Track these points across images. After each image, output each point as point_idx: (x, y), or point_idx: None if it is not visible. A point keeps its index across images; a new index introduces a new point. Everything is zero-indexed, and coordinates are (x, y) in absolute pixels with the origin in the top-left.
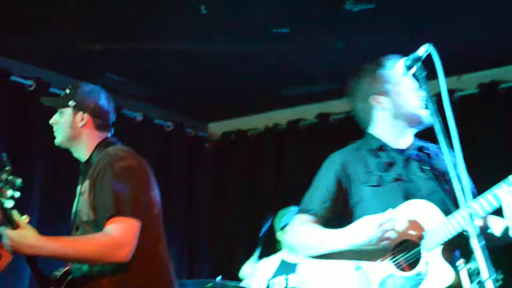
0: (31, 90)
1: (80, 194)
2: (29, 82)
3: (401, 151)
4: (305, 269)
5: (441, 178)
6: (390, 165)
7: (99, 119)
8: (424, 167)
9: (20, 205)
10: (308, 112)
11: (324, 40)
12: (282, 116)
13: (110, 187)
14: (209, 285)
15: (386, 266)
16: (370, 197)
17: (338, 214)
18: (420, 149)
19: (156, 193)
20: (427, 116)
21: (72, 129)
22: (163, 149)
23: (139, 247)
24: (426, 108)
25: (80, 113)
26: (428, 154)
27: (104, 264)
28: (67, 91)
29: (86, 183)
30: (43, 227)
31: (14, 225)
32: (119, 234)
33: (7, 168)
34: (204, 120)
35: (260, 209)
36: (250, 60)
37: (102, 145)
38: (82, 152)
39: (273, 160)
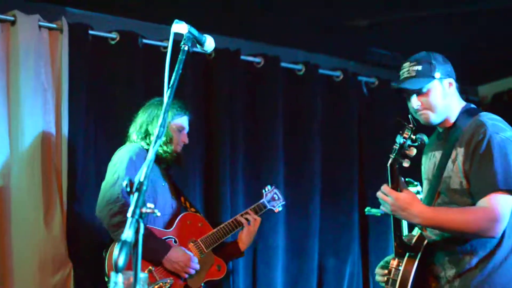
0: (301, 75)
1: (450, 161)
2: (299, 67)
3: None
4: None
5: None
6: None
7: (455, 81)
8: None
9: None
10: None
11: None
12: None
13: (493, 160)
14: None
15: None
16: None
17: None
18: None
19: None
20: None
21: (444, 99)
22: None
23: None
24: None
25: (446, 79)
26: None
27: (469, 239)
28: (418, 68)
29: (459, 150)
30: None
31: (396, 186)
32: (500, 209)
33: (411, 125)
34: (474, 84)
35: None
36: None
37: (467, 111)
38: (447, 119)
39: None
